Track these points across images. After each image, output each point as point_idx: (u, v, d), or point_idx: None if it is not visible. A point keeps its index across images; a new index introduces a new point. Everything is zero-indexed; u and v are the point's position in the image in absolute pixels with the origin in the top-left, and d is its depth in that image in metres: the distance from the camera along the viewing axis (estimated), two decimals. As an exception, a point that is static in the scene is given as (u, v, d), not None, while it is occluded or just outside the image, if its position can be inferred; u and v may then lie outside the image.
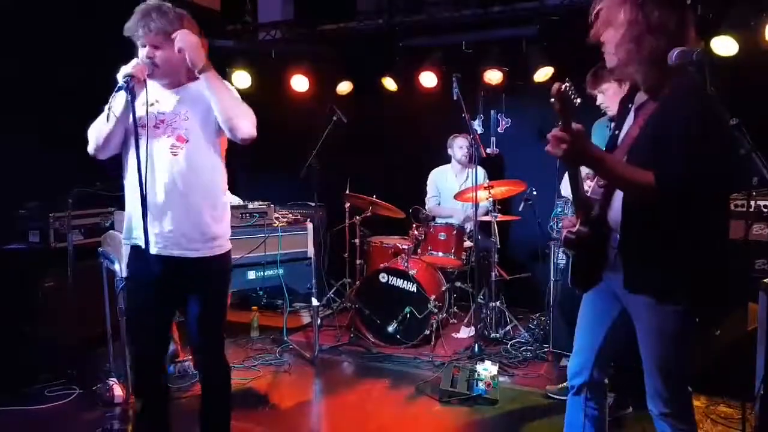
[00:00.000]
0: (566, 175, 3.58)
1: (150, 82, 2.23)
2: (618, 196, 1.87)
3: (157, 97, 2.27)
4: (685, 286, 1.80)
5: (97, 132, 2.21)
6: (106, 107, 2.11)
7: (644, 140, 1.80)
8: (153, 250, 2.18)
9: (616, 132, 1.97)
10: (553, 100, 1.59)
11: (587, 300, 2.12)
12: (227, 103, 2.19)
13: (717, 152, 1.67)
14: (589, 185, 2.02)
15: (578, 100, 1.84)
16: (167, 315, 2.45)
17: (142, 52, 2.20)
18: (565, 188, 3.57)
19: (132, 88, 2.07)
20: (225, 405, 2.48)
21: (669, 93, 1.77)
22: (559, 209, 3.90)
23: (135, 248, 2.29)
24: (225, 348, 2.46)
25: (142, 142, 2.13)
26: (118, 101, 2.11)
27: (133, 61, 2.16)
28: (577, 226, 1.93)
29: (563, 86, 1.57)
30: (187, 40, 2.15)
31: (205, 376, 2.47)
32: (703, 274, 1.80)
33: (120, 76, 2.10)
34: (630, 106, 1.96)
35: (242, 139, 2.23)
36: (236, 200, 3.98)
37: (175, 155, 2.22)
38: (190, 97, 2.28)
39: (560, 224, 2.02)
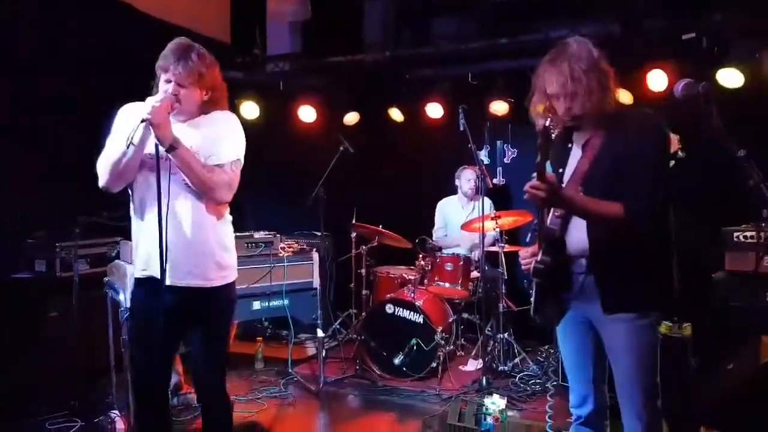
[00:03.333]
0: None
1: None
2: (576, 223, 2.01)
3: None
4: (654, 298, 2.00)
5: (113, 164, 2.20)
6: (126, 138, 2.11)
7: (600, 172, 1.97)
8: (168, 281, 2.20)
9: (560, 170, 2.10)
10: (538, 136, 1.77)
11: (563, 334, 2.24)
12: (199, 178, 2.21)
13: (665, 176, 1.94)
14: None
15: (554, 134, 1.97)
16: (172, 347, 2.46)
17: (166, 86, 2.22)
18: None
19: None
20: None
21: (625, 127, 1.95)
22: None
23: (144, 279, 2.30)
24: (227, 382, 2.44)
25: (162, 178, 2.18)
26: (138, 133, 2.12)
27: (159, 95, 2.17)
28: (541, 256, 2.03)
29: (548, 122, 1.77)
30: (159, 117, 2.10)
31: (206, 412, 2.45)
32: (664, 285, 2.01)
33: (145, 109, 2.09)
34: (570, 145, 2.12)
35: (217, 203, 2.31)
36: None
37: (189, 188, 2.26)
38: (199, 132, 2.31)
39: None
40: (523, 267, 2.13)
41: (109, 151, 2.23)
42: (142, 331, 2.35)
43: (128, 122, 2.18)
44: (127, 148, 2.13)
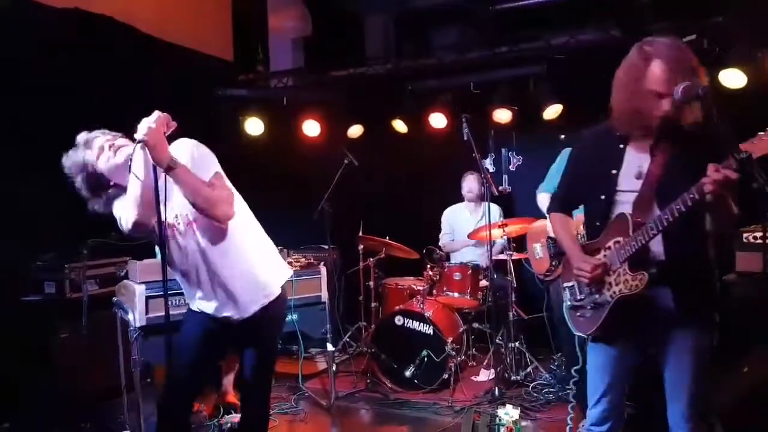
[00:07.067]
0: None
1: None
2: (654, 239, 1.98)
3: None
4: (715, 299, 2.06)
5: (135, 200, 2.13)
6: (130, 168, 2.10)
7: (675, 177, 1.89)
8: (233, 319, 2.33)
9: (613, 171, 2.03)
10: None
11: (610, 345, 2.15)
12: (202, 195, 2.12)
13: None
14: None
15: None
16: (210, 366, 2.61)
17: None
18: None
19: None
20: None
21: (708, 137, 1.84)
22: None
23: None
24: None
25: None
26: (137, 161, 2.08)
27: (153, 116, 2.10)
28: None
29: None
30: (154, 137, 2.02)
31: (247, 421, 2.52)
32: (717, 289, 2.09)
33: (140, 130, 2.04)
34: (622, 146, 2.04)
35: (219, 222, 2.22)
36: None
37: (194, 234, 2.27)
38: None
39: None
40: (588, 279, 2.04)
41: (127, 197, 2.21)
42: (186, 346, 2.41)
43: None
44: (134, 185, 2.13)
